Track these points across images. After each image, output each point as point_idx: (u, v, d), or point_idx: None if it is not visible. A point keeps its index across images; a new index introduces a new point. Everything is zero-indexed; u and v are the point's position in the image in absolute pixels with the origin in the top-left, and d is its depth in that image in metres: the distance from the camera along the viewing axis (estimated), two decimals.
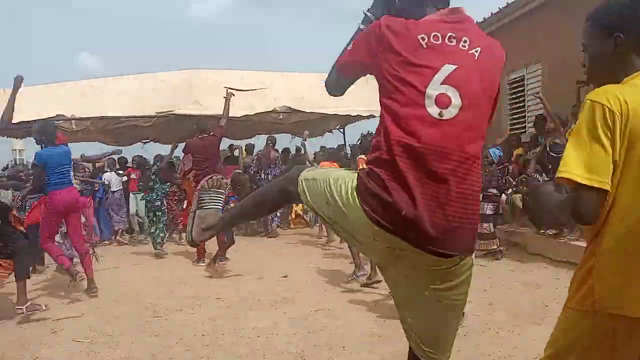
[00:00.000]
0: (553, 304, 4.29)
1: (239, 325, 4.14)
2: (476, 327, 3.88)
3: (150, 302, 4.95)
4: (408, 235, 1.44)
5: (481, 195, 6.58)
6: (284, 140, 12.73)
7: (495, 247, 6.47)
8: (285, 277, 5.79)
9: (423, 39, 1.47)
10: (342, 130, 14.03)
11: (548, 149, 6.41)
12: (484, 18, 9.14)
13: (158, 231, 7.70)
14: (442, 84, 1.45)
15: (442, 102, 1.45)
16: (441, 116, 1.44)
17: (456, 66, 1.46)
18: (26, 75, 5.12)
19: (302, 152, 9.95)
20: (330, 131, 13.86)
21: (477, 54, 1.50)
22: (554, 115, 6.63)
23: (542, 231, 6.48)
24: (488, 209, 6.54)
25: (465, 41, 1.50)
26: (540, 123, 7.38)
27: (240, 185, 5.13)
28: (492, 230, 6.51)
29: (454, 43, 1.49)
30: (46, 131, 5.32)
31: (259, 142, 12.47)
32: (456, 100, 1.45)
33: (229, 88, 10.10)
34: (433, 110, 1.44)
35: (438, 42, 1.48)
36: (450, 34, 1.50)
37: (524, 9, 8.39)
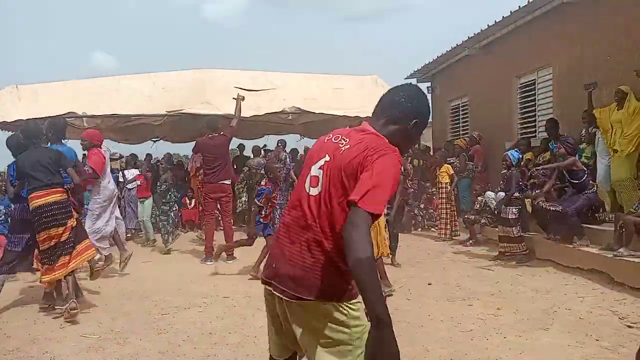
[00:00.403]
0: (562, 310, 4.28)
1: (246, 325, 4.16)
2: (483, 331, 3.87)
3: (158, 299, 4.99)
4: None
5: (505, 199, 6.57)
6: (292, 141, 12.79)
7: (521, 250, 6.43)
8: None
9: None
10: None
11: (568, 177, 6.28)
12: (495, 21, 9.10)
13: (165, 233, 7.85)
14: (319, 168, 1.74)
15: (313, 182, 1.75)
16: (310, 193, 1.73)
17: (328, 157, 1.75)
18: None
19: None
20: None
21: (343, 149, 1.71)
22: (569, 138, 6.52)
23: (551, 236, 6.44)
24: (511, 212, 6.48)
25: (343, 139, 1.76)
26: (552, 126, 7.28)
27: (272, 173, 5.68)
28: (519, 234, 6.47)
29: (335, 141, 1.78)
30: (55, 128, 5.32)
31: (268, 142, 12.54)
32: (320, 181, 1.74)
33: (240, 88, 10.14)
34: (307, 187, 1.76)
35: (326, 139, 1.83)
36: (338, 135, 1.80)
37: (535, 13, 8.34)
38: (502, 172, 7.93)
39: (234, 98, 7.38)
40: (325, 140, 1.82)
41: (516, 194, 6.51)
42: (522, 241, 6.47)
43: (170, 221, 8.07)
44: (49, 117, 9.18)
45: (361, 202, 1.48)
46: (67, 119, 9.55)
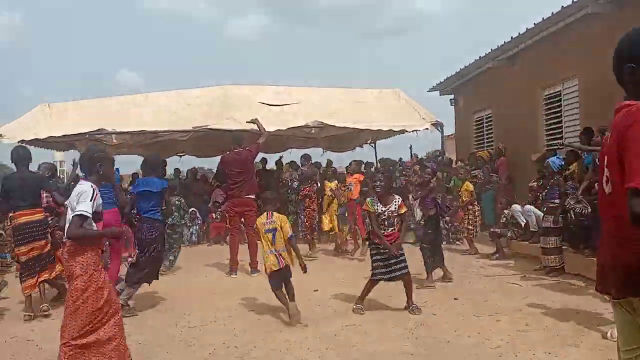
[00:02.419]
0: (592, 326, 4.18)
1: (271, 339, 4.18)
2: (511, 347, 3.81)
3: (184, 312, 5.05)
4: None
5: (544, 208, 6.39)
6: (315, 155, 12.86)
7: (559, 263, 6.23)
8: (316, 291, 5.81)
9: None
10: (373, 144, 14.06)
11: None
12: (519, 33, 9.05)
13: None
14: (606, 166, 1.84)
15: None
16: None
17: None
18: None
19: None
20: (361, 145, 13.91)
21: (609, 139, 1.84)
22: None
23: (582, 249, 6.27)
24: (555, 222, 6.22)
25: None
26: (587, 135, 7.07)
27: (270, 203, 4.99)
28: (560, 244, 6.26)
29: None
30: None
31: (291, 156, 12.63)
32: None
33: (264, 103, 10.29)
34: None
35: None
36: None
37: (559, 24, 8.27)
38: (531, 184, 7.75)
39: (247, 122, 7.51)
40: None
41: (556, 202, 6.25)
42: (561, 253, 6.29)
43: (174, 244, 7.58)
44: (79, 133, 9.52)
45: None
46: (97, 135, 9.86)
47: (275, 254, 4.67)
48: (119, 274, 5.64)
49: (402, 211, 4.96)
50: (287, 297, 4.68)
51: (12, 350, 4.09)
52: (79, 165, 3.63)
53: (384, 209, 4.90)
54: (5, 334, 4.51)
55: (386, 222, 4.91)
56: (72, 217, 3.14)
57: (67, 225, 3.22)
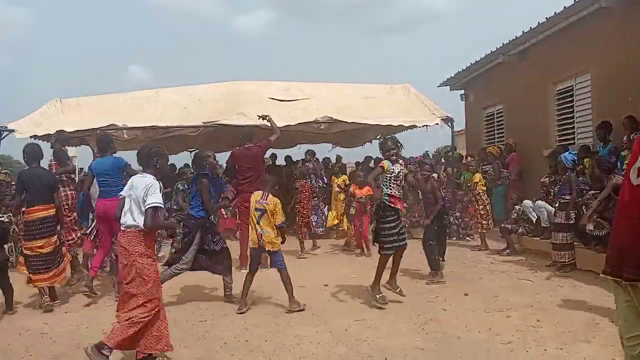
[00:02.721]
0: (604, 322, 4.15)
1: (281, 333, 4.20)
2: (522, 343, 3.80)
3: (195, 307, 5.09)
4: None
5: (556, 203, 6.35)
6: (324, 150, 12.86)
7: (570, 259, 6.19)
8: (326, 286, 5.83)
9: None
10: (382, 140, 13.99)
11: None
12: (531, 27, 8.96)
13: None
14: None
15: None
16: None
17: None
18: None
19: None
20: (371, 141, 13.87)
21: None
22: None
23: (593, 245, 6.22)
24: (569, 218, 6.15)
25: None
26: (603, 129, 6.96)
27: (269, 184, 5.22)
28: (571, 240, 6.22)
29: None
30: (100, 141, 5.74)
31: (300, 152, 12.63)
32: None
33: (273, 99, 10.28)
34: None
35: None
36: None
37: (570, 19, 8.17)
38: (543, 179, 7.69)
39: (259, 116, 7.49)
40: None
41: (568, 198, 6.20)
42: (572, 249, 6.25)
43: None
44: (91, 129, 9.59)
45: None
46: (109, 131, 9.92)
47: (257, 233, 4.89)
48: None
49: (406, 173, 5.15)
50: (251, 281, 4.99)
51: (27, 343, 4.15)
52: (137, 159, 3.82)
53: (400, 168, 5.02)
54: (20, 327, 4.57)
55: (397, 185, 5.01)
56: (148, 209, 3.40)
57: (126, 215, 3.49)
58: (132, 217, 3.48)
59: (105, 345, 3.34)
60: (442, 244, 6.32)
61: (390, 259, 5.06)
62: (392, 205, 4.97)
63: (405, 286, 5.36)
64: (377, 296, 4.93)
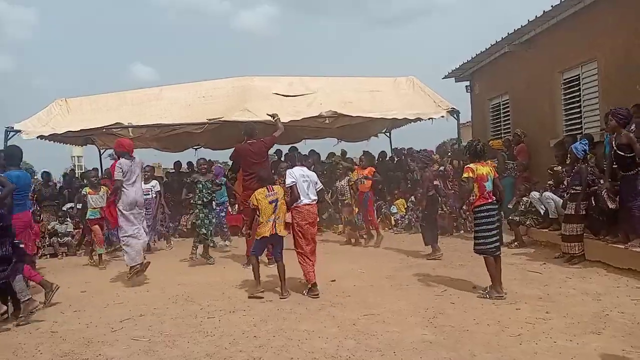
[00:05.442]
0: (614, 313, 4.11)
1: (290, 328, 4.20)
2: (532, 335, 3.77)
3: (204, 303, 5.10)
4: None
5: (567, 194, 6.30)
6: (329, 145, 12.81)
7: (579, 251, 6.14)
8: (334, 281, 5.82)
9: None
10: (388, 134, 13.96)
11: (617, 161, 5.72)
12: (536, 16, 8.86)
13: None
14: None
15: None
16: None
17: None
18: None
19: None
20: (376, 135, 13.81)
21: None
22: None
23: (603, 236, 6.16)
24: (580, 209, 6.07)
25: None
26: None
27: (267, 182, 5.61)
28: (582, 232, 6.16)
29: None
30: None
31: (305, 146, 12.61)
32: None
33: (278, 94, 10.24)
34: None
35: None
36: None
37: (577, 6, 8.07)
38: (556, 167, 7.55)
39: (268, 114, 7.48)
40: None
41: (578, 189, 6.11)
42: (581, 240, 6.18)
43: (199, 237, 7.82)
44: (97, 127, 9.61)
45: None
46: (114, 129, 9.94)
47: (271, 222, 5.26)
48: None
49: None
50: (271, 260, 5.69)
51: (37, 341, 4.18)
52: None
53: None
54: (30, 326, 4.61)
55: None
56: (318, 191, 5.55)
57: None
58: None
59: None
60: (432, 229, 7.17)
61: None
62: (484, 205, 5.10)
63: (411, 280, 5.34)
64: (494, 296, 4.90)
